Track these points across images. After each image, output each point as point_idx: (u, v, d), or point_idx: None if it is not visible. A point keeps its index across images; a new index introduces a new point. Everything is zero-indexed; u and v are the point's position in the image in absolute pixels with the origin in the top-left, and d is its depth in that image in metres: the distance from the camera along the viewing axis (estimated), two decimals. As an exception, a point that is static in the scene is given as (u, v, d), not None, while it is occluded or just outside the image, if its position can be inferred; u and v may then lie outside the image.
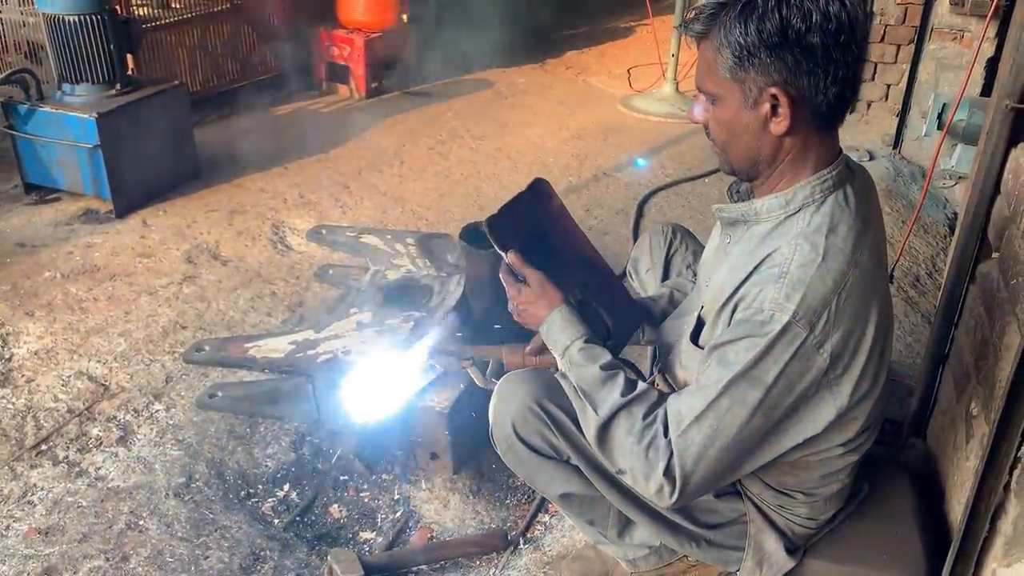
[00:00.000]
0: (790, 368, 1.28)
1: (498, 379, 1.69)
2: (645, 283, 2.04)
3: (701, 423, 1.30)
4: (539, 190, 1.64)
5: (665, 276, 1.99)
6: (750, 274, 1.35)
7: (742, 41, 1.27)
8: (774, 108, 1.31)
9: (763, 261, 1.34)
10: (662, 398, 1.39)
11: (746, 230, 1.44)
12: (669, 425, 1.33)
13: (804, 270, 1.29)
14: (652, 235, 2.08)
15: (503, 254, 1.52)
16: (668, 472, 1.31)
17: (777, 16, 1.25)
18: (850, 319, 1.30)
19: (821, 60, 1.27)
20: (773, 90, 1.29)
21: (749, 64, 1.29)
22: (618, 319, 1.63)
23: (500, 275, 1.58)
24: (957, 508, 1.67)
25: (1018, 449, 1.33)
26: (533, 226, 1.60)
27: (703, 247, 2.03)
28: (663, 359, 1.71)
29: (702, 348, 1.43)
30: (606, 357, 1.45)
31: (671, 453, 1.31)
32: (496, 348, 1.88)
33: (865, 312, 1.32)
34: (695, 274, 1.86)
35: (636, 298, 1.93)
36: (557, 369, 1.52)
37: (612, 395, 1.38)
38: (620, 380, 1.40)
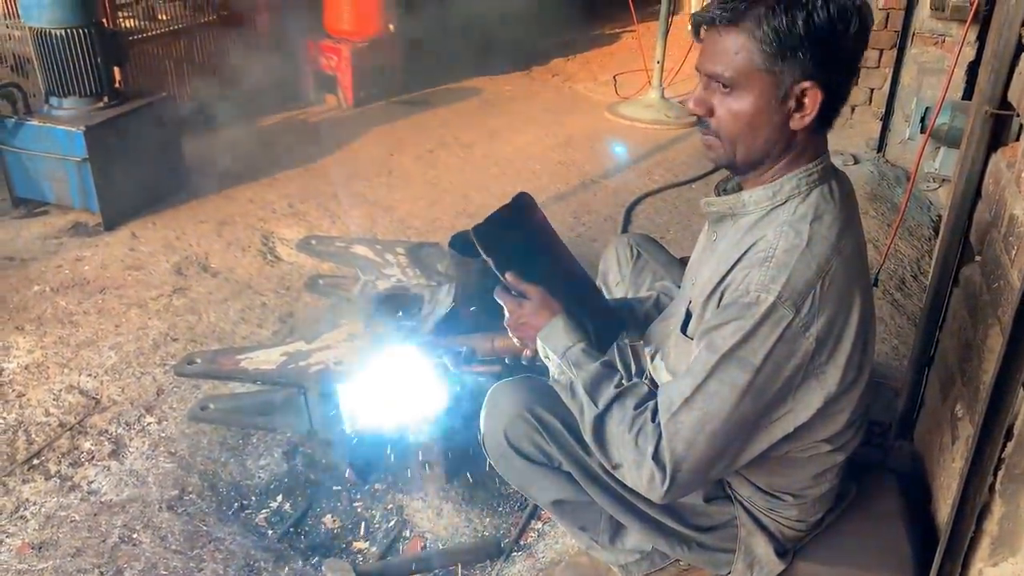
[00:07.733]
0: (777, 350, 1.30)
1: (469, 365, 1.72)
2: (616, 296, 2.04)
3: (691, 406, 1.32)
4: (523, 204, 1.69)
5: (634, 290, 2.00)
6: (737, 261, 1.38)
7: (787, 32, 1.27)
8: (799, 103, 1.33)
9: (749, 248, 1.37)
10: (653, 391, 1.42)
11: (732, 224, 1.46)
12: (659, 411, 1.35)
13: (789, 255, 1.32)
14: (618, 248, 2.09)
15: (488, 260, 1.55)
16: (658, 457, 1.32)
17: (826, 13, 1.27)
18: (834, 305, 1.32)
19: (851, 61, 1.32)
20: (807, 84, 1.31)
21: (790, 56, 1.29)
22: (600, 329, 1.66)
23: (495, 294, 1.60)
24: (944, 509, 1.69)
25: (1002, 450, 1.35)
26: (517, 237, 1.65)
27: (672, 257, 2.05)
28: (652, 359, 1.73)
29: (691, 339, 1.45)
30: (605, 358, 1.49)
31: (659, 437, 1.33)
32: (468, 337, 1.97)
33: (848, 300, 1.35)
34: (667, 286, 1.88)
35: (622, 299, 1.95)
36: (523, 355, 1.55)
37: (609, 388, 1.42)
38: (616, 376, 1.44)
